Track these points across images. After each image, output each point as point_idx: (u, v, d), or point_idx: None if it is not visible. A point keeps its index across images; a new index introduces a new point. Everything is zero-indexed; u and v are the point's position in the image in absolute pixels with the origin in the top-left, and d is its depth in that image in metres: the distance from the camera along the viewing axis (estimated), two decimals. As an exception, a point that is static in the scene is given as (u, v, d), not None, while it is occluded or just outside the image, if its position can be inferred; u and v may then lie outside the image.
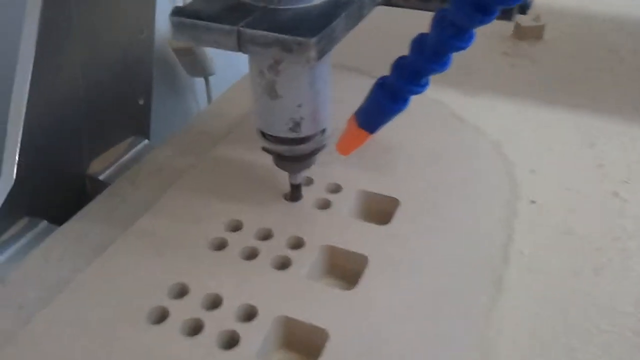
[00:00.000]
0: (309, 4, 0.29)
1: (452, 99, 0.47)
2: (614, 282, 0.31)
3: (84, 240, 0.35)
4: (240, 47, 0.27)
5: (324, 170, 0.38)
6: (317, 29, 0.27)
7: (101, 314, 0.30)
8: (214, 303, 0.30)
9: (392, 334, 0.28)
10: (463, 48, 0.27)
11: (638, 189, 0.38)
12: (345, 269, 0.33)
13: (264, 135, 0.34)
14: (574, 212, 0.36)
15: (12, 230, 0.41)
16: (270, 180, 0.39)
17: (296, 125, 0.32)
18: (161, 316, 0.29)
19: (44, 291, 0.32)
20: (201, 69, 0.69)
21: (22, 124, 0.39)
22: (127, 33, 0.48)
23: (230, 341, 0.28)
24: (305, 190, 0.37)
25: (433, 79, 0.29)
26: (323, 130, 0.34)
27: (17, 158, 0.39)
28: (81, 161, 0.46)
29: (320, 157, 0.36)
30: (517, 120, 0.46)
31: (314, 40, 0.26)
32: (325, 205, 0.37)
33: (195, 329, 0.29)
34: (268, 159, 0.36)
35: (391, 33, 0.56)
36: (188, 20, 0.28)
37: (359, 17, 0.31)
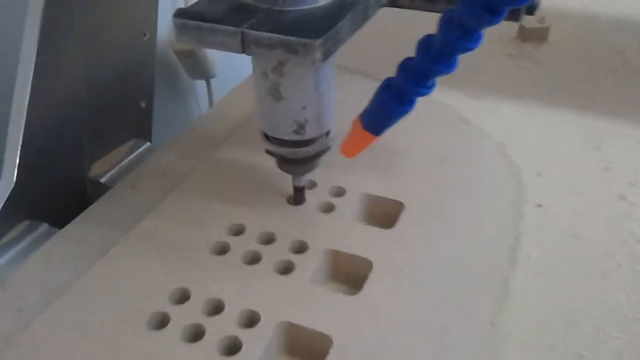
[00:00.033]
0: (313, 5, 0.28)
1: (456, 101, 0.47)
2: (623, 287, 0.31)
3: (85, 244, 0.35)
4: (244, 48, 0.27)
5: (328, 173, 0.38)
6: (322, 30, 0.26)
7: (102, 318, 0.29)
8: (216, 308, 0.29)
9: (397, 340, 0.28)
10: (471, 49, 0.26)
11: (646, 192, 0.38)
12: (350, 274, 0.33)
13: (267, 137, 0.34)
14: (580, 215, 0.36)
15: (12, 233, 0.40)
16: (273, 184, 0.38)
17: (300, 128, 0.32)
18: (162, 321, 0.29)
19: (44, 295, 0.32)
20: (202, 72, 0.68)
21: (23, 125, 0.38)
22: (130, 35, 0.47)
23: (232, 347, 0.28)
24: (308, 194, 0.37)
25: (437, 81, 0.28)
26: (327, 133, 0.34)
27: (17, 160, 0.38)
28: (82, 164, 0.46)
29: (323, 160, 0.35)
30: (522, 122, 0.45)
31: (319, 41, 0.26)
32: (328, 208, 0.36)
33: (196, 334, 0.28)
34: (271, 162, 0.35)
35: (396, 35, 0.56)
36: (191, 22, 0.27)
37: (364, 18, 0.30)
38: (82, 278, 0.32)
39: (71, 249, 0.35)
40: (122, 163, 0.48)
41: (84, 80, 0.43)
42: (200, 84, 0.73)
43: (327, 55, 0.27)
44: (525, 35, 0.57)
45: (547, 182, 0.39)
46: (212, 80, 0.71)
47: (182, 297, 0.30)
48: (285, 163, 0.35)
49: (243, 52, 0.27)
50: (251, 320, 0.29)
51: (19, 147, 0.39)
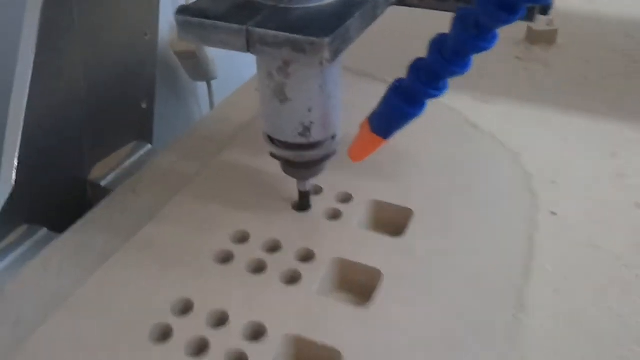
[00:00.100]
0: (321, 3, 0.27)
1: (465, 105, 0.46)
2: (645, 301, 0.30)
3: (84, 251, 0.34)
4: (249, 47, 0.26)
5: (334, 178, 0.37)
6: (330, 28, 0.25)
7: (101, 332, 0.28)
8: (220, 320, 0.28)
9: (408, 355, 0.27)
10: (486, 49, 0.25)
11: (663, 200, 0.36)
12: (358, 284, 0.31)
13: (271, 140, 0.32)
14: (597, 224, 0.34)
15: (11, 238, 0.39)
16: (278, 188, 0.37)
17: (306, 130, 0.31)
18: (164, 334, 0.28)
19: (41, 305, 0.30)
20: (204, 73, 0.67)
21: (21, 127, 0.38)
22: (130, 35, 0.46)
23: (238, 361, 0.27)
24: (314, 200, 0.36)
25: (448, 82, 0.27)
26: (333, 136, 0.33)
27: (16, 163, 0.37)
28: (82, 166, 0.45)
29: (330, 164, 0.34)
30: (534, 127, 0.44)
31: (327, 40, 0.25)
32: (335, 215, 0.35)
33: (200, 348, 0.27)
34: (275, 166, 0.34)
35: (404, 35, 0.55)
36: (194, 19, 0.26)
37: (373, 16, 0.29)
38: (80, 288, 0.30)
39: (70, 256, 0.33)
40: (123, 165, 0.47)
41: (83, 81, 0.42)
42: (201, 85, 0.72)
43: (335, 54, 0.26)
44: (533, 38, 0.56)
45: (561, 189, 0.37)
46: (213, 82, 0.70)
47: (185, 308, 0.29)
48: (290, 167, 0.33)
49: (248, 51, 0.26)
50: (257, 333, 0.28)
51: (18, 149, 0.38)
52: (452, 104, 0.45)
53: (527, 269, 0.31)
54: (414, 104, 0.28)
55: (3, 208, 0.37)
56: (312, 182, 0.35)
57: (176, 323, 0.28)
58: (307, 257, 0.32)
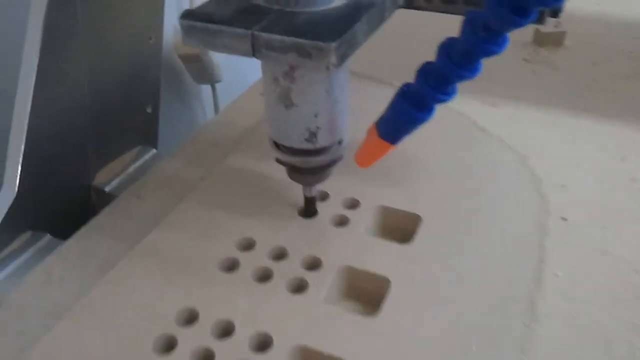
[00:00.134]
0: (327, 7, 0.27)
1: (472, 109, 0.45)
2: (659, 309, 0.29)
3: (88, 258, 0.33)
4: (254, 52, 0.25)
5: (341, 183, 0.36)
6: (337, 32, 0.25)
7: (104, 342, 0.28)
8: (226, 331, 0.28)
9: (418, 364, 0.26)
10: (496, 52, 0.25)
11: (676, 205, 0.36)
12: (365, 292, 0.31)
13: (277, 145, 0.32)
14: (608, 230, 0.34)
15: (14, 245, 0.39)
16: (284, 194, 0.37)
17: (312, 136, 0.30)
18: (169, 345, 0.27)
19: (44, 314, 0.30)
20: (208, 76, 0.67)
21: (25, 133, 0.37)
22: (135, 39, 0.46)
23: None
24: (321, 206, 0.35)
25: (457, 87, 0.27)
26: (340, 141, 0.32)
27: (19, 169, 0.37)
28: (86, 172, 0.44)
29: (336, 169, 0.33)
30: (543, 130, 0.43)
31: (334, 44, 0.24)
32: (342, 221, 0.34)
33: (205, 359, 0.27)
34: (281, 171, 0.34)
35: (412, 38, 0.55)
36: (199, 24, 0.26)
37: (380, 20, 0.29)
38: (84, 297, 0.30)
39: (73, 264, 0.33)
40: (127, 171, 0.46)
41: (87, 86, 0.42)
42: (206, 88, 0.72)
43: (342, 59, 0.25)
44: (540, 40, 0.56)
45: (570, 194, 0.37)
46: (217, 85, 0.70)
47: (190, 317, 0.28)
48: (295, 172, 0.33)
49: (253, 55, 0.26)
50: (263, 343, 0.27)
51: (21, 155, 0.37)
52: (459, 107, 0.45)
53: (538, 275, 0.31)
54: (422, 109, 0.27)
55: (6, 214, 0.37)
56: (318, 187, 0.35)
57: (181, 333, 0.27)
58: (313, 264, 0.32)
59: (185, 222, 0.35)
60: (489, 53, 0.25)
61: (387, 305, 0.29)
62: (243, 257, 0.32)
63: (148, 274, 0.31)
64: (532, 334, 0.28)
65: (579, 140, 0.42)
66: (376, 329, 0.28)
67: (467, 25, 0.24)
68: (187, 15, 0.26)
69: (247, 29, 0.25)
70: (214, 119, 0.52)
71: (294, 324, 0.28)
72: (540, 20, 0.31)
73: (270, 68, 0.29)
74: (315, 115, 0.30)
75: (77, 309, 0.29)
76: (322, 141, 0.31)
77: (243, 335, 0.27)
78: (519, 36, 0.56)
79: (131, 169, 0.46)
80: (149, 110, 0.49)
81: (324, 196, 0.36)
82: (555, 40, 0.56)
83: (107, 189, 0.44)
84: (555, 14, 0.31)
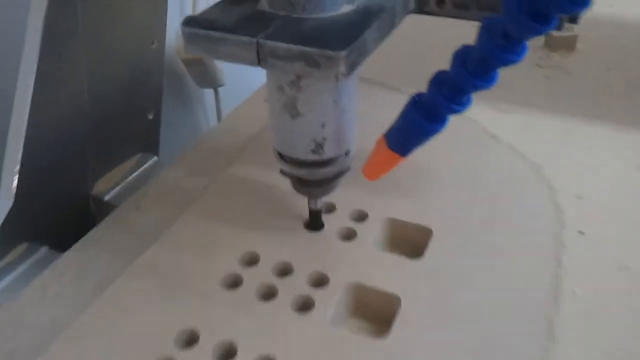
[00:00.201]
0: (336, 13, 0.26)
1: (482, 115, 0.44)
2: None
3: (85, 274, 0.32)
4: (260, 61, 0.24)
5: (348, 194, 0.35)
6: (346, 40, 0.23)
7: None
8: (228, 353, 0.26)
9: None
10: (514, 61, 0.24)
11: (698, 217, 0.34)
12: (374, 310, 0.29)
13: (281, 156, 0.31)
14: (627, 244, 0.32)
15: (10, 257, 0.38)
16: (289, 205, 0.35)
17: (318, 147, 0.29)
18: (167, 369, 0.26)
19: (38, 335, 0.29)
20: (211, 80, 0.66)
21: (22, 140, 0.36)
22: (137, 43, 0.45)
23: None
24: (327, 218, 0.34)
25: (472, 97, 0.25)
26: (347, 152, 0.31)
27: (16, 178, 0.36)
28: (85, 180, 0.43)
29: (343, 180, 0.32)
30: (557, 138, 0.42)
31: (343, 53, 0.23)
32: (349, 235, 0.33)
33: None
34: (286, 181, 0.32)
35: (422, 44, 0.53)
36: (201, 31, 0.24)
37: (390, 26, 0.27)
38: (79, 317, 0.29)
39: (70, 280, 0.32)
40: (128, 179, 0.45)
41: (87, 91, 0.41)
42: (208, 92, 0.70)
43: (352, 68, 0.24)
44: (552, 44, 0.54)
45: (587, 205, 0.35)
46: (220, 89, 0.69)
47: (190, 339, 0.27)
48: (301, 185, 0.32)
49: (258, 64, 0.24)
50: (267, 367, 0.26)
51: (18, 164, 0.36)
52: (469, 114, 0.43)
53: (556, 293, 0.29)
54: (435, 120, 0.26)
55: (2, 225, 0.35)
56: (325, 199, 0.33)
57: (180, 356, 0.26)
58: (320, 281, 0.30)
59: (186, 235, 0.34)
60: (506, 62, 0.23)
61: (398, 325, 0.27)
62: (246, 273, 0.31)
63: (146, 292, 0.30)
64: (551, 355, 0.26)
65: (594, 148, 0.41)
66: (386, 351, 0.26)
67: (484, 32, 0.23)
68: (189, 22, 0.25)
69: (252, 37, 0.24)
70: (217, 126, 0.51)
71: (300, 347, 0.26)
72: (558, 26, 0.29)
73: (276, 76, 0.27)
74: (322, 126, 0.28)
75: (73, 328, 0.28)
76: (328, 152, 0.29)
77: (245, 358, 0.26)
78: (530, 41, 0.55)
79: (131, 177, 0.45)
80: (150, 116, 0.48)
81: (331, 208, 0.35)
82: (568, 45, 0.54)
83: (106, 198, 0.43)
84: (573, 19, 0.30)
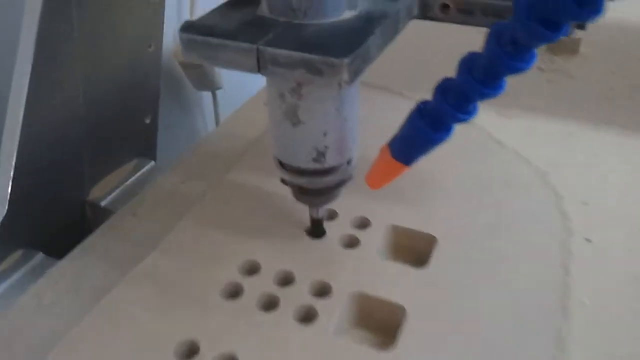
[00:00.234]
0: (338, 19, 0.25)
1: (486, 120, 0.43)
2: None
3: (81, 284, 0.31)
4: (260, 68, 0.23)
5: (350, 201, 0.34)
6: (349, 47, 0.23)
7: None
8: (228, 368, 0.26)
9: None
10: (523, 69, 0.23)
11: None
12: (378, 320, 0.29)
13: (282, 165, 0.30)
14: (636, 252, 0.32)
15: (4, 265, 0.37)
16: (290, 211, 0.34)
17: (320, 155, 0.28)
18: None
19: (33, 345, 0.28)
20: (209, 83, 0.65)
21: (16, 145, 0.35)
22: (134, 47, 0.44)
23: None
24: (329, 225, 0.33)
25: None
26: (349, 160, 0.30)
27: (10, 183, 0.35)
28: (81, 186, 0.42)
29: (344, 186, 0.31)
30: (561, 143, 0.41)
31: (346, 60, 0.22)
32: (352, 243, 0.32)
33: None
34: (287, 187, 0.32)
35: (424, 46, 0.52)
36: (200, 37, 0.24)
37: (394, 32, 0.27)
38: (74, 328, 0.28)
39: (65, 290, 0.31)
40: (124, 184, 0.44)
41: (83, 95, 0.40)
42: (206, 95, 0.70)
43: (355, 76, 0.23)
44: (555, 48, 0.54)
45: (594, 212, 0.35)
46: (219, 92, 0.68)
47: (190, 351, 0.26)
48: (301, 193, 0.31)
49: (258, 72, 0.24)
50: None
51: (12, 169, 0.35)
52: (474, 120, 0.43)
53: (564, 303, 0.29)
54: (440, 129, 0.25)
55: (-3, 233, 0.35)
56: (326, 206, 0.33)
57: (179, 371, 0.25)
58: (322, 291, 0.30)
59: (184, 243, 0.33)
60: (515, 70, 0.23)
61: (404, 337, 0.27)
62: (247, 283, 0.30)
63: (144, 301, 0.29)
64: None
65: (600, 153, 0.40)
66: (390, 364, 0.26)
67: (492, 39, 0.22)
68: (187, 27, 0.24)
69: (252, 43, 0.23)
70: (215, 130, 0.50)
71: (303, 359, 0.26)
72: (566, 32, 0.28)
73: (276, 83, 0.27)
74: (324, 134, 0.28)
75: (68, 338, 0.27)
76: (330, 161, 0.29)
77: (247, 373, 0.25)
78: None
79: (128, 182, 0.44)
80: (147, 120, 0.47)
81: (332, 215, 0.34)
82: (571, 48, 0.53)
83: (103, 203, 0.42)
84: (582, 25, 0.29)
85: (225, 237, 0.33)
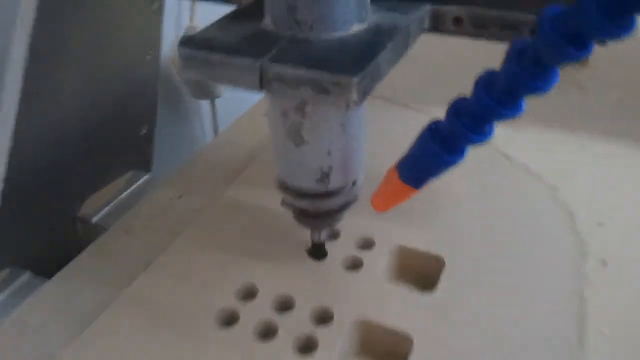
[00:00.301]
0: (346, 33, 0.23)
1: (495, 133, 0.41)
2: None
3: (69, 307, 0.30)
4: (263, 85, 0.22)
5: (353, 220, 0.32)
6: (359, 64, 0.21)
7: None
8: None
9: None
10: (544, 90, 0.21)
11: None
12: (383, 349, 0.27)
13: (282, 186, 0.28)
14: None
15: (-10, 283, 0.35)
16: (290, 231, 0.33)
17: (324, 176, 0.27)
18: None
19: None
20: (207, 91, 0.63)
21: (6, 158, 0.33)
22: (131, 55, 0.42)
23: None
24: (331, 245, 0.32)
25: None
26: (354, 182, 0.28)
27: (-1, 198, 0.33)
28: (72, 201, 0.41)
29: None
30: (573, 158, 0.40)
31: (356, 79, 0.20)
32: (355, 264, 0.31)
33: None
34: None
35: (428, 56, 0.51)
36: (200, 53, 0.22)
37: (405, 47, 0.25)
38: (63, 352, 0.26)
39: (52, 314, 0.29)
40: (118, 199, 0.43)
41: (78, 107, 0.38)
42: (204, 104, 0.68)
43: (364, 95, 0.21)
44: (563, 58, 0.52)
45: (609, 232, 0.33)
46: (217, 101, 0.66)
47: (181, 388, 0.25)
48: (303, 216, 0.29)
49: (261, 89, 0.22)
50: None
51: (1, 182, 0.34)
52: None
53: (581, 334, 0.27)
54: (453, 151, 0.24)
55: (-17, 249, 0.33)
56: (328, 230, 0.31)
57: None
58: (323, 317, 0.28)
59: (178, 264, 0.31)
60: (535, 90, 0.21)
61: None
62: (243, 308, 0.28)
63: (134, 328, 0.27)
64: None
65: (612, 169, 0.38)
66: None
67: (513, 56, 0.21)
68: (186, 42, 0.22)
69: (255, 59, 0.21)
70: (214, 141, 0.48)
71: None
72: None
73: (279, 101, 0.25)
74: (329, 154, 0.26)
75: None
76: (334, 182, 0.27)
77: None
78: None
79: (121, 197, 0.43)
80: (143, 132, 0.45)
81: (335, 234, 0.33)
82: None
83: (94, 219, 0.40)
84: (603, 41, 0.28)
85: (221, 257, 0.31)
